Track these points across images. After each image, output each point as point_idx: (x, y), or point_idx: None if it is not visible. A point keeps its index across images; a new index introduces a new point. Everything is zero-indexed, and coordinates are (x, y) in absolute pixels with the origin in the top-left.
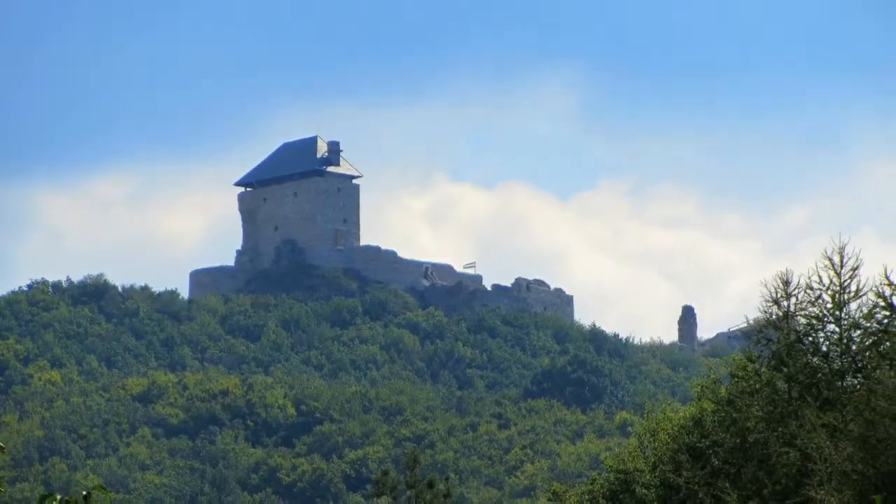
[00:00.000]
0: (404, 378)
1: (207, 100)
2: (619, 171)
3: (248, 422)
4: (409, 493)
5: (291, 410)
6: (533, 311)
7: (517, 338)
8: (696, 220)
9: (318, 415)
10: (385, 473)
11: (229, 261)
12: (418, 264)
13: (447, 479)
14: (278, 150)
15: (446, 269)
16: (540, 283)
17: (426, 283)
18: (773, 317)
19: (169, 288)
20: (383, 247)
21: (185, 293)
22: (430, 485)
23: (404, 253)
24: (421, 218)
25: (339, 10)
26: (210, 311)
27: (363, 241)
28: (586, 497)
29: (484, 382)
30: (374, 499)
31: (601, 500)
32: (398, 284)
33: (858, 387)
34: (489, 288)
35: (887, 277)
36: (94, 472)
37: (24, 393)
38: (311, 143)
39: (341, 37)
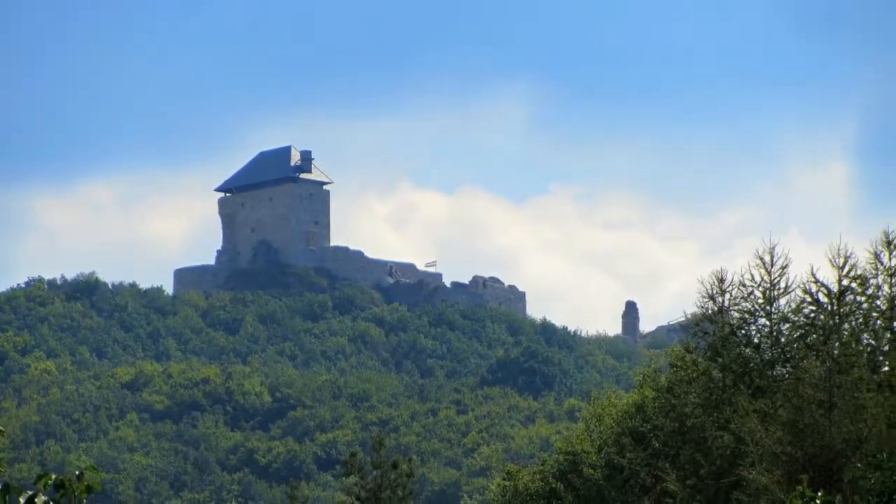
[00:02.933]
0: (370, 367)
1: (191, 112)
2: (569, 178)
3: (228, 407)
4: (375, 472)
5: (267, 397)
6: (489, 306)
7: (474, 330)
8: (639, 222)
9: (291, 401)
10: (353, 455)
11: (210, 260)
12: (384, 263)
13: (410, 459)
14: (255, 159)
15: (409, 268)
16: (495, 280)
17: (391, 280)
18: (709, 311)
19: (155, 285)
20: (351, 247)
21: (169, 290)
22: (395, 465)
23: (371, 253)
24: (386, 221)
25: (310, 33)
26: (192, 306)
27: (333, 242)
28: (537, 476)
29: (444, 371)
30: (344, 478)
31: (551, 479)
32: (365, 282)
33: (787, 376)
34: (449, 285)
35: (814, 275)
36: (87, 454)
37: (22, 381)
38: (286, 152)
39: (313, 55)
